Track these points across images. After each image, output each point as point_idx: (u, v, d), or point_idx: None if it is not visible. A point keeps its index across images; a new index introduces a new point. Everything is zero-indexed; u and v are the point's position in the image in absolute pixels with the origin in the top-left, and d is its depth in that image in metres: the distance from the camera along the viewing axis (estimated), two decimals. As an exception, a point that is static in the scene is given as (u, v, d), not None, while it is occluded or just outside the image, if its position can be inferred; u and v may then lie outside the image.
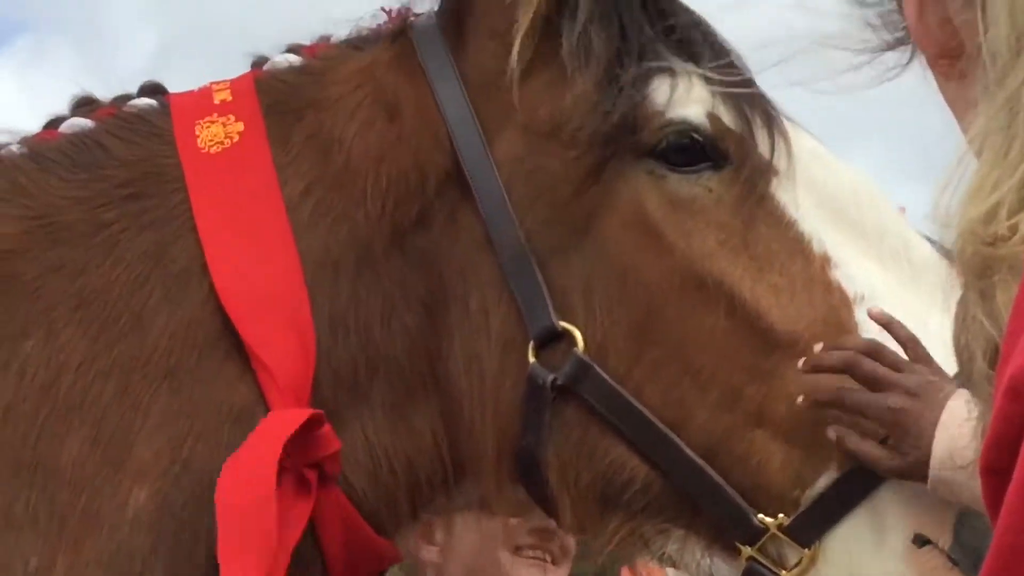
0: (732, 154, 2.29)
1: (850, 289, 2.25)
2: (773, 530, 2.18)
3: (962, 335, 1.14)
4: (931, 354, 2.17)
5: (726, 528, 2.21)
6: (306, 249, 2.24)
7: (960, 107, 1.37)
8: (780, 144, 2.31)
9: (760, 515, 2.19)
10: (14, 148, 2.37)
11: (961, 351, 1.14)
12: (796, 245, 2.27)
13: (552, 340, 2.22)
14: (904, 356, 2.19)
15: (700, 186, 2.27)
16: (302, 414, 2.12)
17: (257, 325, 2.18)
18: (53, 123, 2.41)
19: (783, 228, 2.28)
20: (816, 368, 2.19)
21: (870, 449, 2.15)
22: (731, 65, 2.35)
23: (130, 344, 2.19)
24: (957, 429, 2.04)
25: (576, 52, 2.27)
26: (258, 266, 2.21)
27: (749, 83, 2.36)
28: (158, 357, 2.19)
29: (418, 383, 2.28)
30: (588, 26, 2.27)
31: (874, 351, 2.17)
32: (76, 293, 2.22)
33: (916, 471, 2.12)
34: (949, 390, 2.11)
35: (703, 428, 2.21)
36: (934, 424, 2.10)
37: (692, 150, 2.28)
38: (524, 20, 2.27)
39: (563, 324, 2.22)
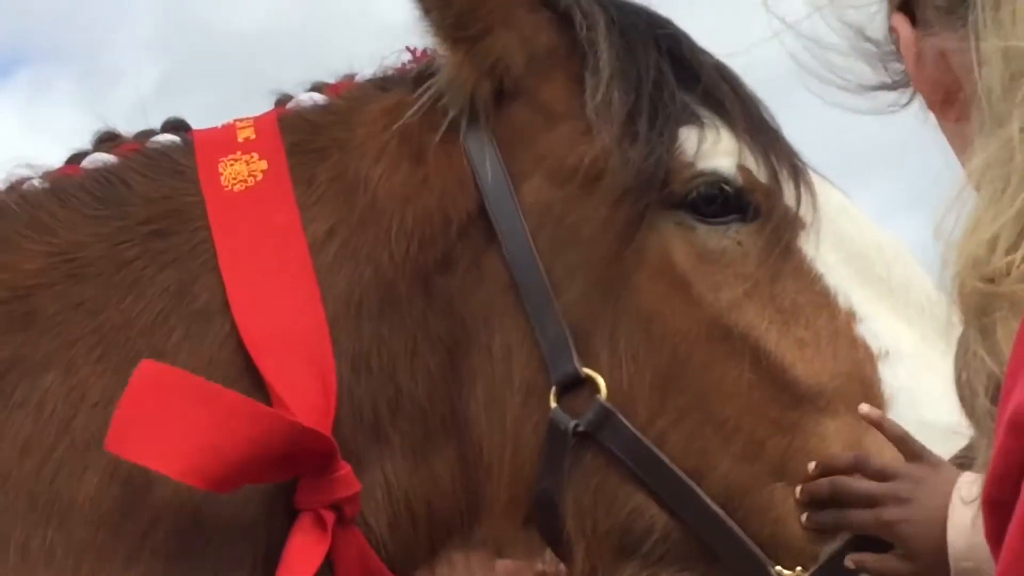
0: (761, 206, 2.30)
1: (874, 345, 2.26)
2: None
3: (963, 371, 1.15)
4: (924, 446, 2.17)
5: (745, 567, 2.21)
6: (329, 289, 2.24)
7: (959, 146, 1.38)
8: (807, 197, 2.32)
9: (778, 567, 2.19)
10: (36, 183, 2.36)
11: (962, 387, 1.16)
12: (822, 299, 2.28)
13: (575, 386, 2.23)
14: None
15: (728, 238, 2.28)
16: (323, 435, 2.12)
17: (278, 364, 2.17)
18: (75, 158, 2.41)
19: (809, 282, 2.29)
20: (810, 500, 2.19)
21: (890, 565, 2.15)
22: (758, 115, 2.36)
23: None
24: (967, 519, 2.04)
25: (601, 107, 2.29)
26: (280, 305, 2.21)
27: (777, 133, 2.36)
28: None
29: (438, 425, 2.27)
30: (611, 82, 2.29)
31: (859, 466, 2.17)
32: (96, 329, 2.21)
33: (937, 570, 2.12)
34: (944, 483, 2.11)
35: (724, 479, 2.22)
36: (933, 521, 2.10)
37: (721, 201, 2.29)
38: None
39: (586, 371, 2.23)
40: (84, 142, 2.46)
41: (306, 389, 2.16)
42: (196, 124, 2.47)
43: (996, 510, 0.99)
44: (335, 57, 2.58)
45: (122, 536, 2.12)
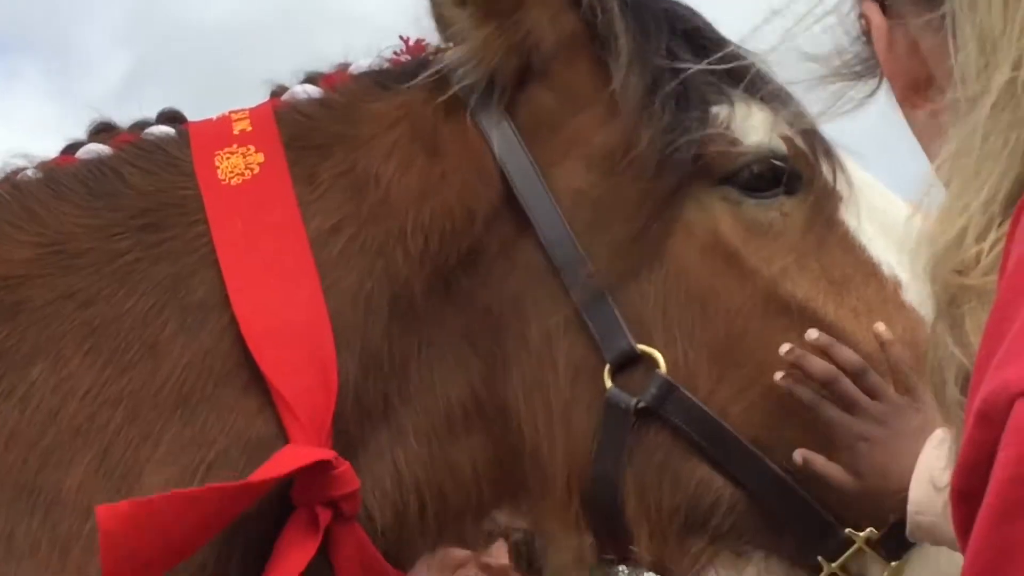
0: (805, 177, 2.32)
1: (924, 311, 2.25)
2: (860, 543, 2.18)
3: (934, 361, 1.15)
4: (919, 387, 2.18)
5: (811, 544, 2.22)
6: (335, 283, 2.22)
7: (927, 137, 1.38)
8: (841, 171, 2.34)
9: (848, 529, 2.20)
10: (30, 173, 2.34)
11: (933, 376, 1.16)
12: (869, 269, 2.30)
13: (630, 364, 2.22)
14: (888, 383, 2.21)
15: (776, 210, 2.30)
16: (314, 453, 2.10)
17: (277, 358, 2.15)
18: (71, 148, 2.38)
19: (855, 252, 2.31)
20: (798, 366, 2.20)
21: (834, 472, 2.18)
22: (783, 91, 2.36)
23: (141, 372, 2.16)
24: (936, 473, 2.04)
25: (625, 89, 2.29)
26: (280, 300, 2.19)
27: (803, 109, 2.36)
28: (171, 386, 2.16)
29: (459, 415, 2.26)
30: (631, 64, 2.29)
31: (857, 372, 2.20)
32: (87, 321, 2.19)
33: (874, 498, 2.16)
34: (922, 425, 2.14)
35: (789, 447, 2.22)
36: (893, 452, 2.13)
37: (768, 176, 2.30)
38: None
39: (642, 347, 2.22)
40: (53, 132, 2.45)
41: (306, 384, 2.14)
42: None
43: (965, 501, 0.99)
44: (305, 50, 2.57)
45: None
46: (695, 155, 2.27)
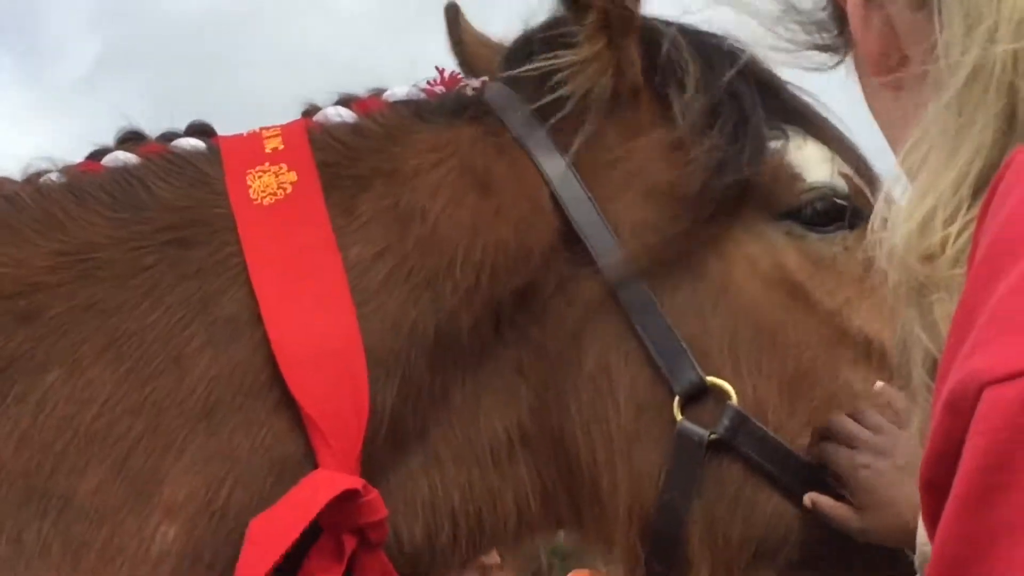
0: (864, 212, 2.33)
1: None
2: None
3: (900, 344, 1.15)
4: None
5: (881, 569, 2.23)
6: (376, 312, 2.18)
7: (895, 119, 1.35)
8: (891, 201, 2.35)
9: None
10: (53, 177, 2.28)
11: (901, 361, 1.15)
12: None
13: (699, 396, 2.22)
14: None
15: (838, 245, 2.32)
16: (342, 482, 2.06)
17: (308, 383, 2.11)
18: (96, 154, 2.33)
19: None
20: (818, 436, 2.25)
21: (841, 512, 2.20)
22: (834, 126, 2.39)
23: (165, 383, 2.11)
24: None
25: (689, 123, 2.29)
26: (312, 324, 2.15)
27: (851, 141, 2.40)
28: (197, 397, 2.11)
29: (504, 445, 2.24)
30: (696, 97, 2.30)
31: (856, 415, 2.24)
32: (108, 332, 2.13)
33: (884, 534, 2.18)
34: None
35: None
36: (895, 483, 2.16)
37: (831, 212, 2.33)
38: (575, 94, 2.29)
39: (712, 379, 2.21)
40: (25, 118, 2.40)
41: (336, 409, 2.10)
42: (136, 102, 2.40)
43: (933, 491, 0.97)
44: (276, 41, 2.52)
45: (129, 534, 2.03)
46: (753, 186, 2.29)
